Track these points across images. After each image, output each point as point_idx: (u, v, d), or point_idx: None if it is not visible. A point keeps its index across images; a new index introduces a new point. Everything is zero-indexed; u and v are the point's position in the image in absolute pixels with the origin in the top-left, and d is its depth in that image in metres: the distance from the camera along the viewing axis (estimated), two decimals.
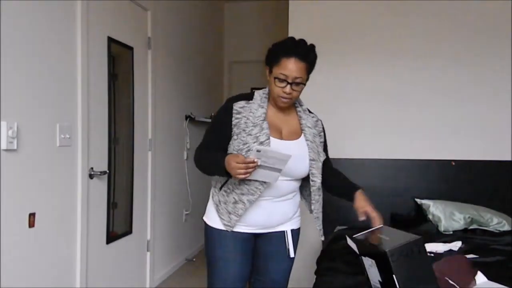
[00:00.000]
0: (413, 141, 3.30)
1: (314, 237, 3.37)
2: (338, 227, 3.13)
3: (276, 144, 1.78)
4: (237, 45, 5.47)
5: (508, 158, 3.17)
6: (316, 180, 1.86)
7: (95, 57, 2.70)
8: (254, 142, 1.75)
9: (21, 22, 2.10)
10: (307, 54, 1.77)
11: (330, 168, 2.01)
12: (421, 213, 3.07)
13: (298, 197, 2.00)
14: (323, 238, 2.04)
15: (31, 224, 2.17)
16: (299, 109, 1.94)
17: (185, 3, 4.23)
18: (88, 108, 2.60)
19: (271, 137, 1.78)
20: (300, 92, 1.83)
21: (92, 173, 2.66)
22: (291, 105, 1.92)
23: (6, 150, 1.99)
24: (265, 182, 1.76)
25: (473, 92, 3.24)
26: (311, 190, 1.88)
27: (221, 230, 1.88)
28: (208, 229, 1.94)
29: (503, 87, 3.19)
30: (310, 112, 1.99)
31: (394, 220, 3.11)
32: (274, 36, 4.83)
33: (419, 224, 2.96)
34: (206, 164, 1.84)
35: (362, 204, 1.83)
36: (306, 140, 1.87)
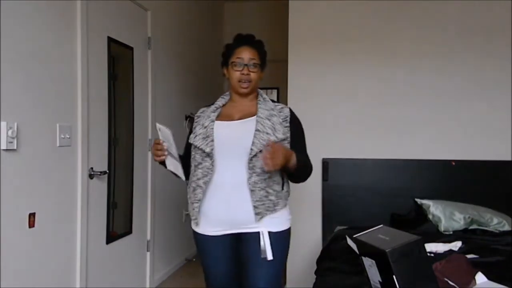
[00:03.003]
0: (413, 141, 3.30)
1: (314, 237, 3.37)
2: (338, 227, 3.13)
3: (219, 125, 1.89)
4: None
5: (508, 158, 3.17)
6: (254, 149, 1.79)
7: (95, 57, 2.70)
8: (200, 129, 1.91)
9: (21, 22, 2.10)
10: (255, 42, 1.97)
11: None
12: (421, 213, 3.07)
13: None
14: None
15: (31, 224, 2.17)
16: (259, 98, 1.98)
17: (185, 3, 4.23)
18: (88, 108, 2.60)
19: (216, 121, 1.91)
20: (257, 75, 1.94)
21: (92, 173, 2.66)
22: (253, 97, 1.98)
23: (6, 150, 2.00)
24: (212, 165, 1.84)
25: (473, 92, 3.24)
26: (248, 157, 1.79)
27: (197, 233, 1.95)
28: (193, 232, 2.00)
29: (503, 87, 3.19)
30: (276, 102, 1.98)
31: (394, 220, 3.11)
32: (274, 36, 4.86)
33: (419, 224, 2.96)
34: None
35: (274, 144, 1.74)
36: (257, 117, 1.87)
